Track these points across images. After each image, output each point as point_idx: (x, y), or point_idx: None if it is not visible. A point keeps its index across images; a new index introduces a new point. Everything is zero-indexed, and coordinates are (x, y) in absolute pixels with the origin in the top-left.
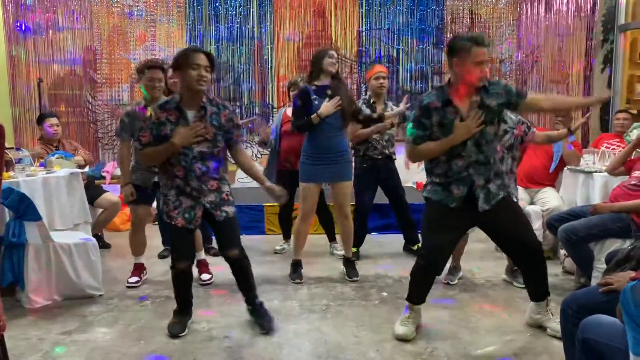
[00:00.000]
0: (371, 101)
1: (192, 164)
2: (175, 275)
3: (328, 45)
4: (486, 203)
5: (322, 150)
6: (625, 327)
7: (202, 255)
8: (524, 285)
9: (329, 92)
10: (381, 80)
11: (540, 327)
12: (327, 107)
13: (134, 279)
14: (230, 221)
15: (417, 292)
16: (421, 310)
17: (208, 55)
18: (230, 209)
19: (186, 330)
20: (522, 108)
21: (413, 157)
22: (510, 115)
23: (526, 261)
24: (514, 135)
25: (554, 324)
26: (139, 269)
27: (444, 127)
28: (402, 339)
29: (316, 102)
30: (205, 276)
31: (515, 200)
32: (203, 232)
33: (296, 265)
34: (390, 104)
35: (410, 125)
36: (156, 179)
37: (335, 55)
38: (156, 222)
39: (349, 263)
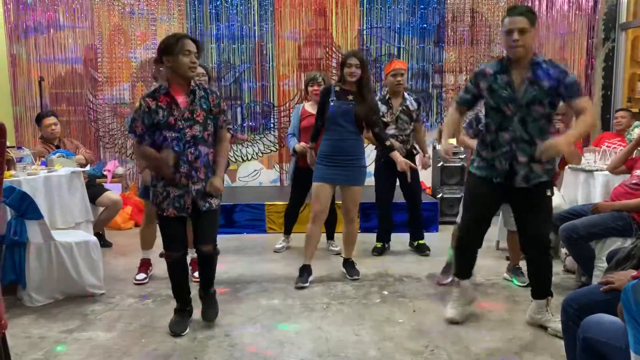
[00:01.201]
0: (387, 97)
1: (185, 148)
2: (169, 265)
3: (329, 45)
4: (524, 181)
5: (335, 153)
6: (626, 325)
7: (194, 253)
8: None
9: (350, 97)
10: (399, 78)
11: (541, 326)
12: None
13: (142, 275)
14: (211, 214)
15: (462, 266)
16: (471, 287)
17: (196, 42)
18: (215, 202)
19: (187, 329)
20: (567, 104)
21: (445, 122)
22: None
23: (533, 253)
24: None
25: (554, 323)
26: (145, 265)
27: (493, 92)
28: (452, 322)
29: (332, 103)
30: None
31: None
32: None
33: (303, 270)
34: (410, 98)
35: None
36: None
37: (356, 62)
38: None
39: (349, 263)
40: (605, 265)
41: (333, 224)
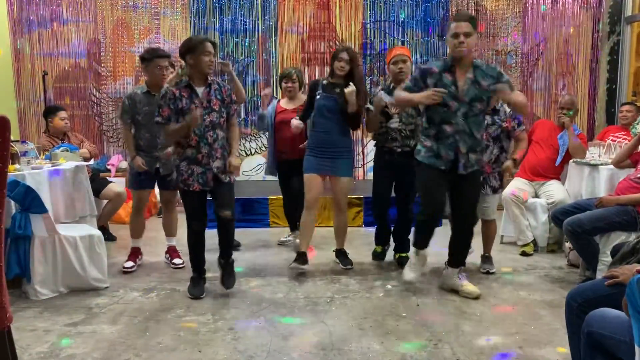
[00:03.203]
0: (391, 87)
1: (205, 132)
2: (191, 235)
3: (332, 38)
4: (464, 169)
5: (322, 145)
6: (631, 319)
7: (173, 241)
8: (451, 253)
9: (338, 90)
10: (400, 65)
11: (536, 319)
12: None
13: (130, 263)
14: (231, 186)
15: (423, 240)
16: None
17: (214, 44)
18: (232, 177)
19: (204, 293)
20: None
21: (396, 99)
22: (505, 109)
23: (460, 230)
24: (502, 128)
25: (466, 287)
26: (135, 254)
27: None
28: (410, 283)
29: (318, 96)
30: (177, 261)
31: (489, 187)
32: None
33: (300, 256)
34: None
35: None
36: (158, 165)
37: (346, 57)
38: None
39: (342, 253)
40: (609, 259)
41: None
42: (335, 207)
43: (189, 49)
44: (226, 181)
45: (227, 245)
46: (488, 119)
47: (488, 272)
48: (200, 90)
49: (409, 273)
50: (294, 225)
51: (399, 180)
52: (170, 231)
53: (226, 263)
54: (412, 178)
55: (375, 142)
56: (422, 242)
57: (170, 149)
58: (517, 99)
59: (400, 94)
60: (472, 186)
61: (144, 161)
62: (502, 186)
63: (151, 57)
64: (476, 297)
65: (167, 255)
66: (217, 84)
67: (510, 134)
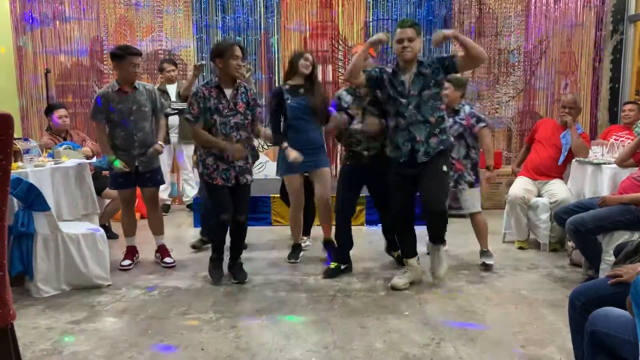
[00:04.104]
0: (354, 86)
1: (230, 132)
2: (217, 227)
3: (335, 37)
4: (425, 155)
5: (302, 144)
6: (635, 319)
7: (162, 240)
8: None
9: (302, 90)
10: (405, 43)
11: (538, 318)
12: (293, 154)
13: (127, 262)
14: (247, 188)
15: (406, 245)
16: (419, 268)
17: (242, 48)
18: (250, 177)
19: (223, 276)
20: (459, 66)
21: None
22: (465, 108)
23: (434, 211)
24: (463, 126)
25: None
26: (131, 252)
27: (392, 86)
28: (394, 288)
29: (289, 102)
30: (168, 260)
31: (465, 182)
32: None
33: (295, 248)
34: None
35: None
36: (137, 163)
37: (310, 58)
38: (164, 213)
39: (330, 243)
40: (612, 258)
41: (311, 219)
42: (320, 201)
43: (219, 52)
44: (247, 183)
45: (239, 248)
46: (449, 120)
47: (485, 264)
48: (228, 92)
49: (396, 279)
50: (306, 231)
51: (370, 184)
52: (157, 230)
53: (235, 264)
54: (384, 181)
55: (343, 145)
56: (407, 249)
57: (157, 145)
58: (463, 37)
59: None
60: (435, 170)
61: (124, 163)
62: (477, 180)
63: (124, 54)
64: (441, 277)
65: (158, 255)
66: (243, 87)
67: (472, 130)
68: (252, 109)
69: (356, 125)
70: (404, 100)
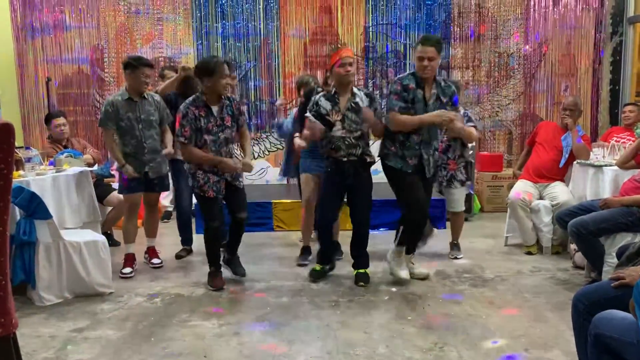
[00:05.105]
0: (333, 92)
1: (219, 148)
2: (209, 233)
3: (335, 42)
4: (429, 172)
5: (314, 146)
6: (639, 321)
7: (153, 242)
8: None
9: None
10: (348, 68)
11: (542, 321)
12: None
13: (128, 269)
14: (243, 190)
15: (414, 243)
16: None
17: (229, 65)
18: (242, 179)
19: (225, 283)
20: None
21: (396, 125)
22: (459, 109)
23: (419, 220)
24: None
25: (418, 270)
26: (130, 260)
27: (414, 103)
28: (405, 280)
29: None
30: (155, 260)
31: (458, 181)
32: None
33: (304, 251)
34: (360, 93)
35: (392, 97)
36: (147, 169)
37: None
38: (165, 220)
39: (306, 249)
40: (615, 261)
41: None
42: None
43: (207, 72)
44: (240, 187)
45: (237, 243)
46: None
47: (456, 258)
48: (215, 109)
49: (402, 272)
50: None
51: (349, 190)
52: (150, 232)
53: (233, 258)
54: (364, 188)
55: (322, 151)
56: (412, 245)
57: (169, 149)
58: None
59: (402, 118)
60: (430, 185)
61: (133, 168)
62: (469, 178)
63: (138, 65)
64: (425, 278)
65: (146, 255)
66: (228, 99)
67: None
68: (237, 118)
69: (337, 133)
70: None
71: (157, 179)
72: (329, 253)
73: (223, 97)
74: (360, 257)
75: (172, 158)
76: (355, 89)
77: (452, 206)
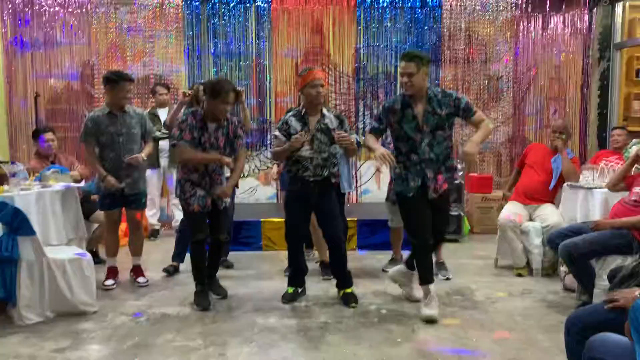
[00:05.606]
0: (303, 112)
1: (209, 165)
2: (194, 247)
3: (326, 63)
4: (434, 192)
5: None
6: (635, 344)
7: (138, 261)
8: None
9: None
10: (319, 89)
11: (533, 344)
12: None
13: (110, 281)
14: (226, 210)
15: (427, 271)
16: (432, 290)
17: (237, 93)
18: (227, 200)
19: (210, 303)
20: (470, 123)
21: (365, 142)
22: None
23: (420, 247)
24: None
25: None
26: (113, 272)
27: (403, 124)
28: (431, 320)
29: None
30: (141, 279)
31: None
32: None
33: (322, 265)
34: (330, 114)
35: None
36: (123, 185)
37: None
38: (152, 238)
39: (324, 264)
40: (606, 283)
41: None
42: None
43: (212, 93)
44: (222, 207)
45: (217, 264)
46: None
47: (448, 279)
48: (211, 127)
49: (428, 310)
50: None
51: (316, 211)
52: (136, 251)
53: (214, 280)
54: (331, 207)
55: (287, 170)
56: (427, 275)
57: (142, 155)
58: (474, 151)
59: (369, 138)
60: (443, 204)
61: (115, 180)
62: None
63: (118, 80)
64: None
65: (132, 274)
66: (226, 120)
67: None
68: (232, 141)
69: (305, 152)
70: (418, 136)
71: (133, 196)
72: (300, 274)
73: (222, 119)
74: (344, 277)
75: None
76: (325, 110)
77: (393, 222)
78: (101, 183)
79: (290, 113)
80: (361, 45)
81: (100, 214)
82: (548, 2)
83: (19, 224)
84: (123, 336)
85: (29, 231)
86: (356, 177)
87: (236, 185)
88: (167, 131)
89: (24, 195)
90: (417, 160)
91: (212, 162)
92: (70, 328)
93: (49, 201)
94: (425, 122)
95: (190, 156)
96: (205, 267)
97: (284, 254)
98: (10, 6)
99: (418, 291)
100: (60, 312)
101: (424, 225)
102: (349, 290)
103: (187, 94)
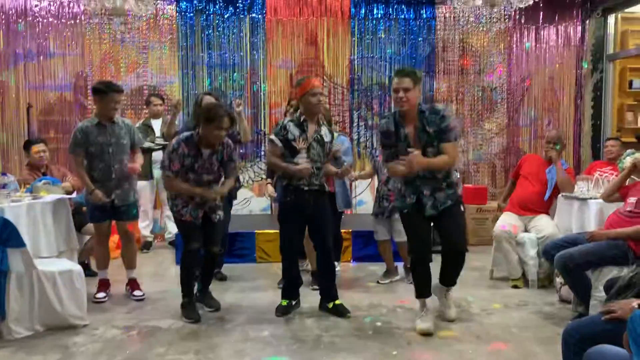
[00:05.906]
0: (302, 119)
1: (201, 187)
2: (186, 257)
3: (320, 74)
4: (433, 209)
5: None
6: (633, 356)
7: (133, 274)
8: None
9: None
10: (319, 97)
11: (530, 356)
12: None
13: (101, 294)
14: (220, 223)
15: (422, 285)
16: (428, 303)
17: (233, 119)
18: (221, 213)
19: (200, 315)
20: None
21: (391, 174)
22: None
23: (451, 257)
24: None
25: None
26: (104, 285)
27: (398, 144)
28: (426, 334)
29: None
30: (137, 293)
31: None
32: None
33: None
34: (324, 128)
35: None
36: (113, 196)
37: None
38: (145, 250)
39: (315, 274)
40: (602, 294)
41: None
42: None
43: (207, 118)
44: (216, 220)
45: (210, 277)
46: None
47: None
48: (206, 153)
49: (422, 323)
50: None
51: (310, 221)
52: (130, 263)
53: (206, 292)
54: (324, 216)
55: (281, 178)
56: (422, 289)
57: (134, 164)
58: (414, 167)
59: (390, 168)
60: (451, 217)
61: (103, 194)
62: None
63: (107, 91)
64: (453, 320)
65: (128, 287)
66: (220, 145)
67: None
68: (226, 163)
69: (301, 160)
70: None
71: (123, 207)
72: (294, 287)
73: (217, 144)
74: (332, 288)
75: None
76: (320, 122)
77: (396, 236)
78: (89, 195)
79: (288, 118)
80: (355, 57)
81: (92, 225)
82: (541, 13)
83: (8, 235)
84: (114, 350)
85: (19, 243)
86: (351, 187)
87: (234, 197)
88: (160, 143)
89: (15, 206)
90: (412, 178)
91: (197, 195)
92: (59, 342)
93: (39, 213)
94: (418, 139)
95: (177, 188)
96: (193, 279)
97: (278, 266)
98: (2, 17)
99: (451, 311)
100: (50, 325)
101: (419, 240)
102: (338, 302)
103: (176, 104)
